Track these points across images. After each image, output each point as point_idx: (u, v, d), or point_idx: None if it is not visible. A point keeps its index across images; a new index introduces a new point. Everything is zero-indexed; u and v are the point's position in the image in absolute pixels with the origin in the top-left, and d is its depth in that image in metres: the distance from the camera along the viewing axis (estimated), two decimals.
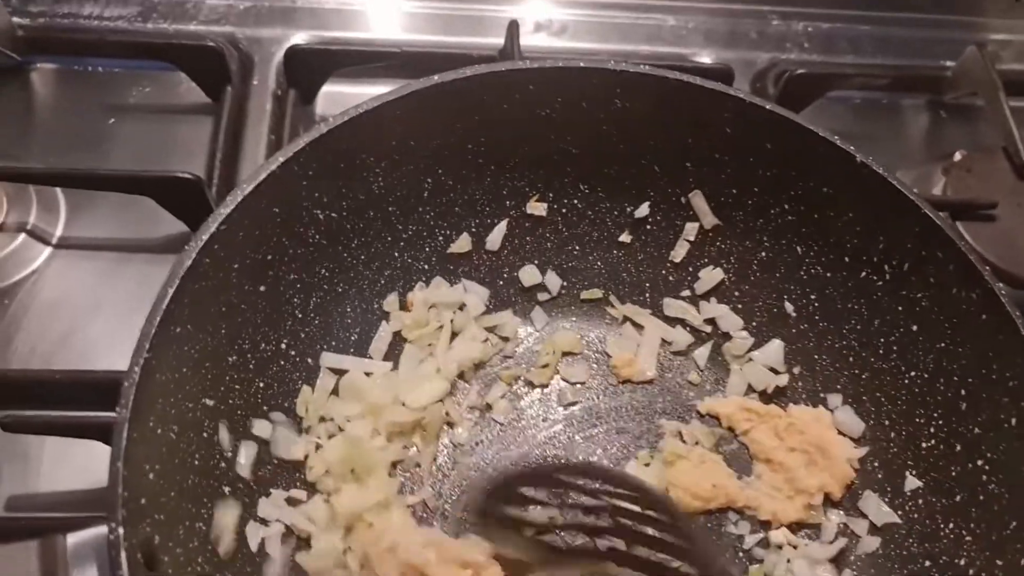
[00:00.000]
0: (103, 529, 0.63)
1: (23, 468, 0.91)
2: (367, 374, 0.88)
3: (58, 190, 1.08)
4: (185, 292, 0.72)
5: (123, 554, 0.61)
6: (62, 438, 0.91)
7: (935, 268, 0.82)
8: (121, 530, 0.62)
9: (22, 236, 1.05)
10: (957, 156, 1.14)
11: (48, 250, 1.05)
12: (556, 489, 0.76)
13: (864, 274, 0.87)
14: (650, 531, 0.74)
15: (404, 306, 0.92)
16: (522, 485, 0.76)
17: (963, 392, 0.82)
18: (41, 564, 0.62)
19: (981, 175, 1.12)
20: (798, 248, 0.91)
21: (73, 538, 0.64)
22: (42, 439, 0.92)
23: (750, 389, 0.93)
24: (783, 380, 0.92)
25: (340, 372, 0.88)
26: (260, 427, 0.82)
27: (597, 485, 0.75)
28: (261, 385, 0.83)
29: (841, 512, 0.87)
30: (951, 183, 1.12)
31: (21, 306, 1.02)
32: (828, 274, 0.90)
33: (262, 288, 0.82)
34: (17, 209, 1.05)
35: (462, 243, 0.94)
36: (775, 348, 0.93)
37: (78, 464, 0.91)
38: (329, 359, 0.88)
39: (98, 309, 1.01)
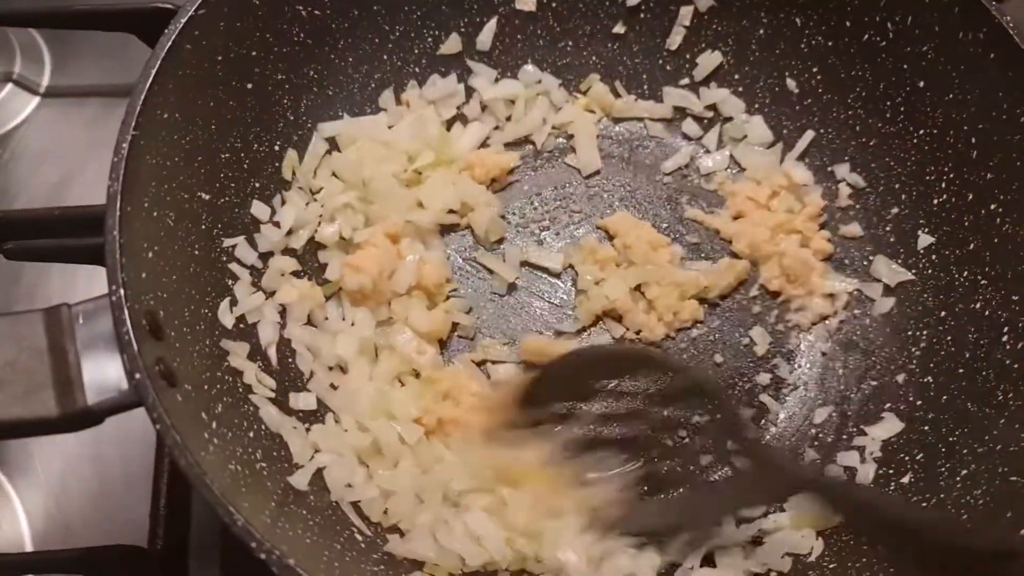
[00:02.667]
0: (106, 299, 0.63)
1: (30, 306, 0.91)
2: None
3: (41, 40, 1.07)
4: (168, 77, 0.71)
5: (126, 313, 0.61)
6: (67, 276, 0.93)
7: (939, 15, 0.79)
8: (122, 291, 0.61)
9: (8, 86, 1.04)
10: None
11: (36, 99, 1.05)
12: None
13: (867, 36, 0.85)
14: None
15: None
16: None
17: (973, 140, 0.79)
18: (48, 332, 0.62)
19: None
20: (797, 20, 0.88)
21: (77, 309, 0.63)
22: (48, 277, 0.94)
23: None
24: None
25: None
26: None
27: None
28: (257, 185, 0.82)
29: (855, 280, 0.86)
30: None
31: (14, 155, 1.01)
32: (830, 43, 0.87)
33: (249, 86, 0.80)
34: (1, 60, 1.04)
35: (451, 44, 0.91)
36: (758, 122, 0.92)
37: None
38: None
39: (89, 154, 1.01)
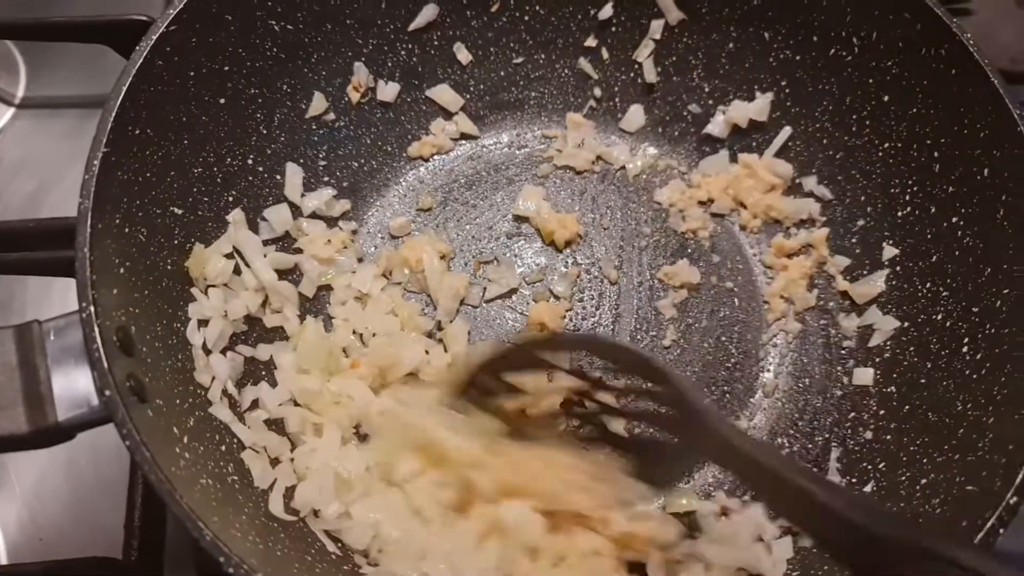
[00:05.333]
0: (76, 317, 0.63)
1: (5, 318, 0.92)
2: None
3: (16, 51, 1.07)
4: (140, 93, 0.72)
5: (96, 330, 0.61)
6: (43, 288, 0.93)
7: (903, 31, 0.81)
8: (92, 308, 0.62)
9: None
10: None
11: (11, 111, 1.05)
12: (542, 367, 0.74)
13: (833, 51, 0.86)
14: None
15: None
16: (507, 367, 0.74)
17: (936, 154, 0.81)
18: (18, 348, 0.62)
19: None
20: (766, 34, 0.89)
21: (48, 325, 0.64)
22: (24, 289, 0.94)
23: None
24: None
25: None
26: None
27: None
28: (230, 199, 0.82)
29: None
30: None
31: None
32: (797, 57, 0.89)
33: (222, 100, 0.81)
34: None
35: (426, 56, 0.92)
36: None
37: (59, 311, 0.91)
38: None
39: (65, 165, 1.01)
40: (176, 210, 0.77)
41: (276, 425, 0.77)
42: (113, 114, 0.69)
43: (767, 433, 0.82)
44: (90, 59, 1.03)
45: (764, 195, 0.90)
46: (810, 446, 0.81)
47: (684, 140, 0.94)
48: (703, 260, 0.89)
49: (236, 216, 0.81)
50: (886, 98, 0.84)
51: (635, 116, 0.94)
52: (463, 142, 0.94)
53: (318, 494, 0.72)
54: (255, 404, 0.77)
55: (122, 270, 0.68)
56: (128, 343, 0.65)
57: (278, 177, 0.86)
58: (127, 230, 0.70)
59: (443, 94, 0.93)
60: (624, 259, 0.89)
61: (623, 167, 0.93)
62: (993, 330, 0.73)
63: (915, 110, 0.82)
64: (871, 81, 0.85)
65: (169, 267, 0.75)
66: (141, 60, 0.72)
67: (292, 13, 0.84)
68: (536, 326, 0.84)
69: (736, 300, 0.88)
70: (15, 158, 1.02)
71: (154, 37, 0.73)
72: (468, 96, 0.94)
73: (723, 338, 0.86)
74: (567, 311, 0.86)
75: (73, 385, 0.62)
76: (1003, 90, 0.75)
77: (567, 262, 0.89)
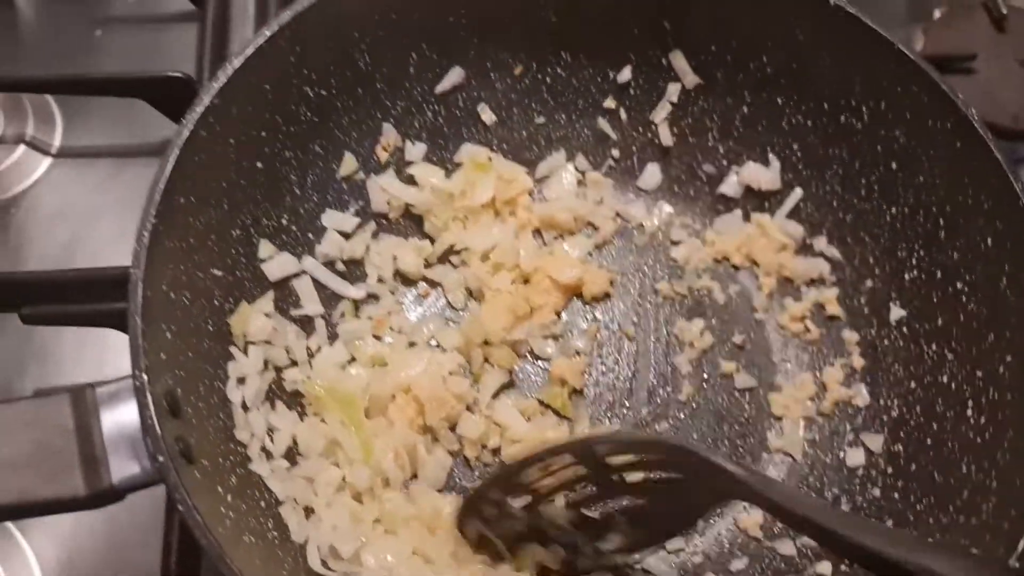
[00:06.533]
0: (128, 382, 0.67)
1: (43, 364, 0.96)
2: None
3: (53, 102, 1.10)
4: (186, 164, 0.75)
5: (149, 397, 0.65)
6: (79, 336, 0.96)
7: (910, 102, 0.84)
8: (145, 376, 0.66)
9: (21, 148, 1.08)
10: (936, 14, 1.15)
11: (48, 160, 1.08)
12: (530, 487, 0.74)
13: (844, 119, 0.90)
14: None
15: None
16: (498, 491, 0.74)
17: (941, 222, 0.84)
18: (74, 413, 0.66)
19: (960, 30, 1.13)
20: (779, 100, 0.93)
21: (101, 390, 0.68)
22: (60, 337, 0.97)
23: None
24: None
25: None
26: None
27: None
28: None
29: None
30: (930, 40, 1.13)
31: (27, 215, 1.05)
32: (809, 123, 0.92)
33: (259, 164, 0.84)
34: (14, 122, 1.08)
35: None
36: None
37: (94, 359, 0.95)
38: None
39: (100, 213, 1.05)
40: (216, 272, 0.80)
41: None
42: (162, 186, 0.73)
43: None
44: (124, 110, 1.07)
45: (776, 254, 0.93)
46: (821, 500, 0.84)
47: (699, 199, 0.98)
48: (717, 317, 0.93)
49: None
50: (894, 165, 0.88)
51: (652, 175, 0.98)
52: None
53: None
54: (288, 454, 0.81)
55: (168, 334, 0.72)
56: (176, 406, 0.69)
57: (310, 235, 0.90)
58: (172, 295, 0.74)
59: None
60: (641, 315, 0.93)
61: (640, 224, 0.97)
62: (996, 395, 0.77)
63: (921, 178, 0.86)
64: (879, 148, 0.88)
65: (210, 328, 0.78)
66: (188, 133, 0.75)
67: (326, 79, 0.88)
68: (557, 382, 0.87)
69: (750, 357, 0.91)
70: (51, 207, 1.05)
71: (199, 110, 0.76)
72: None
73: (736, 394, 0.90)
74: (587, 366, 0.90)
75: (125, 448, 0.66)
76: (1007, 166, 0.78)
77: (586, 318, 0.93)
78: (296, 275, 0.88)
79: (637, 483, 0.71)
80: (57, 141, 1.09)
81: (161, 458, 0.63)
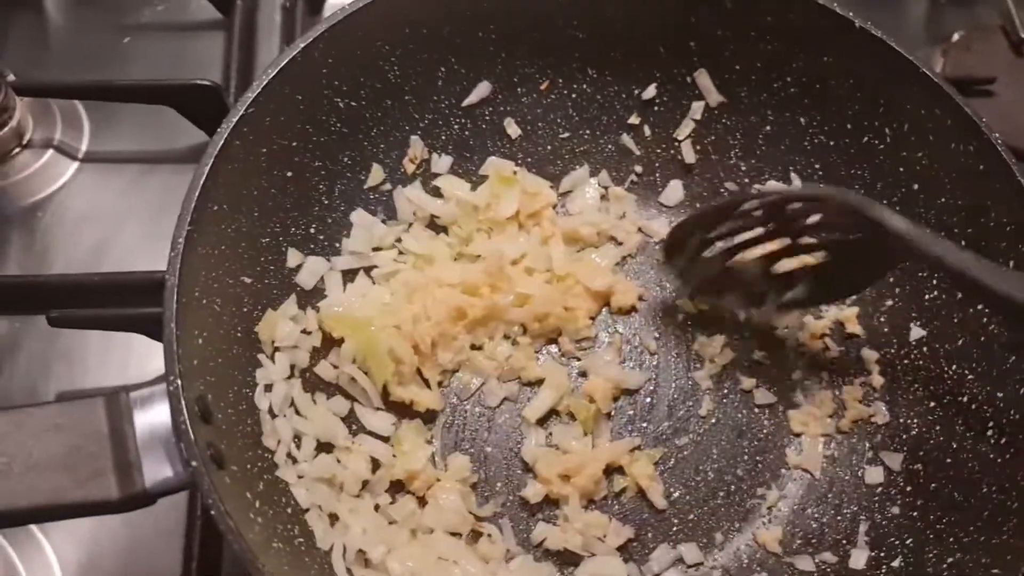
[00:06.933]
0: (161, 387, 0.68)
1: (69, 367, 0.97)
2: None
3: (80, 107, 1.12)
4: (219, 172, 0.76)
5: (183, 403, 0.66)
6: (104, 340, 0.97)
7: (933, 126, 0.85)
8: (180, 382, 0.66)
9: (49, 152, 1.09)
10: (955, 37, 1.16)
11: (75, 164, 1.09)
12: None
13: (866, 139, 0.91)
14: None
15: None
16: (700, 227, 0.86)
17: (963, 243, 0.85)
18: (108, 417, 0.67)
19: (979, 53, 1.15)
20: (802, 119, 0.94)
21: (134, 395, 0.68)
22: (86, 340, 0.98)
23: None
24: None
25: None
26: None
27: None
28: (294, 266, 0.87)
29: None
30: (950, 63, 1.14)
31: (54, 218, 1.06)
32: (831, 142, 0.93)
33: (289, 174, 0.86)
34: (42, 126, 1.09)
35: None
36: None
37: (119, 362, 0.96)
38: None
39: (126, 218, 1.06)
40: (246, 279, 0.81)
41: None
42: (196, 194, 0.74)
43: (797, 502, 0.87)
44: (151, 116, 1.08)
45: None
46: (839, 518, 0.85)
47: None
48: (737, 333, 0.94)
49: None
50: (915, 186, 0.88)
51: (674, 191, 0.99)
52: None
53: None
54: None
55: (200, 340, 0.73)
56: (207, 411, 0.70)
57: (337, 244, 0.91)
58: (204, 302, 0.75)
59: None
60: (663, 330, 0.94)
61: (662, 240, 0.98)
62: (1017, 416, 0.78)
63: (943, 200, 0.86)
64: (901, 169, 0.89)
65: (239, 334, 0.79)
66: (222, 142, 0.76)
67: (356, 91, 0.89)
68: (587, 397, 0.88)
69: (769, 374, 0.92)
70: (78, 211, 1.06)
71: (234, 120, 0.78)
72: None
73: (756, 409, 0.90)
74: (619, 392, 0.90)
75: (159, 453, 0.67)
76: None
77: (609, 331, 0.94)
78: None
79: (822, 241, 0.82)
80: (84, 146, 1.10)
81: (195, 463, 0.64)
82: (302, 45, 0.82)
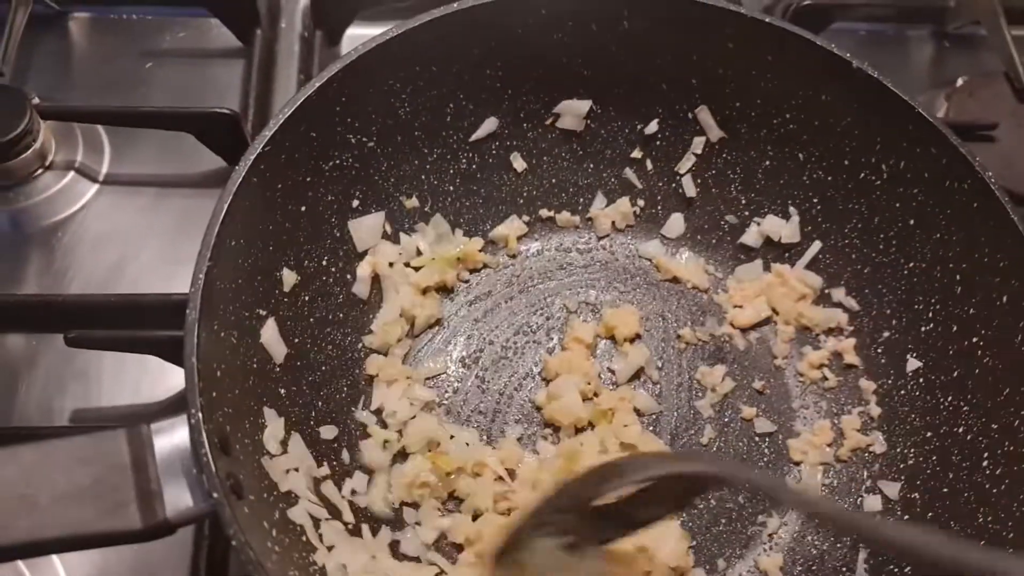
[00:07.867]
0: (181, 418, 0.70)
1: (84, 386, 0.98)
2: None
3: (102, 131, 1.13)
4: (237, 208, 0.78)
5: (204, 435, 0.68)
6: (118, 359, 0.98)
7: (929, 163, 0.88)
8: (200, 415, 0.68)
9: (71, 174, 1.10)
10: (959, 82, 1.18)
11: (95, 187, 1.11)
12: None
13: (863, 175, 0.93)
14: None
15: None
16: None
17: (957, 277, 0.88)
18: (130, 449, 0.69)
19: (982, 99, 1.17)
20: (800, 155, 0.97)
21: (155, 426, 0.70)
22: (100, 360, 0.99)
23: None
24: None
25: None
26: None
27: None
28: (306, 298, 0.89)
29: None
30: (953, 107, 1.16)
31: (74, 238, 1.07)
32: (829, 178, 0.96)
33: (303, 208, 0.88)
34: (64, 148, 1.11)
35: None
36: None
37: (133, 382, 0.98)
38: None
39: (144, 241, 1.07)
40: (261, 311, 0.83)
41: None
42: (216, 230, 0.76)
43: (798, 529, 0.89)
44: (170, 141, 1.10)
45: (795, 303, 0.97)
46: (839, 545, 0.87)
47: (721, 248, 1.01)
48: (738, 363, 0.96)
49: None
50: (911, 222, 0.91)
51: (676, 223, 1.02)
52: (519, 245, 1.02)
53: None
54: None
55: (218, 373, 0.75)
56: (226, 443, 0.72)
57: (349, 277, 0.93)
58: (222, 335, 0.77)
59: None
60: (665, 360, 0.96)
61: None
62: (1012, 448, 0.80)
63: (938, 235, 0.89)
64: (898, 205, 0.92)
65: (254, 365, 0.81)
66: (240, 179, 0.79)
67: (367, 127, 0.91)
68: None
69: (769, 403, 0.94)
70: (97, 232, 1.08)
71: (252, 157, 0.80)
72: (521, 201, 1.01)
73: (756, 438, 0.93)
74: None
75: (178, 483, 0.69)
76: (1023, 227, 0.82)
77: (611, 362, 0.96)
78: None
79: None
80: (105, 168, 1.11)
81: (216, 495, 0.66)
82: (317, 84, 0.84)
